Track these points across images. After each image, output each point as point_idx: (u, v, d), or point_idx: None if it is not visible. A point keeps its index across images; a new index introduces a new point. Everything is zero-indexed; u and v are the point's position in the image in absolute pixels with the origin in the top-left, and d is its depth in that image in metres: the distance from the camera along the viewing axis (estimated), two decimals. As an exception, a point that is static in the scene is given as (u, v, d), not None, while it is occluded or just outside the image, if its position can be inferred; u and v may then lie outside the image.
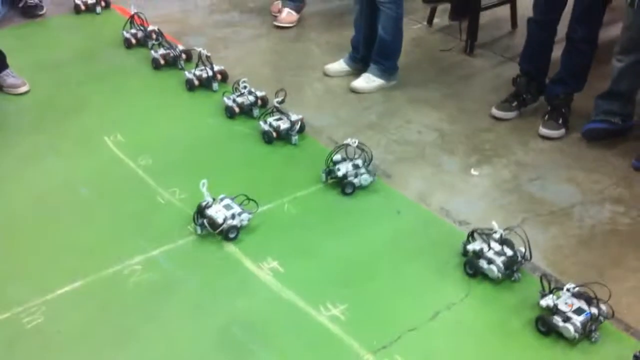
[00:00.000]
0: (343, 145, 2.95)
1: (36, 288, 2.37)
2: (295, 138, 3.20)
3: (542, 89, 3.46)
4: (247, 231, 2.65)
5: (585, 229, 2.72)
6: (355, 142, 2.93)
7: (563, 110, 3.32)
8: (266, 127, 3.22)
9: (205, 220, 2.61)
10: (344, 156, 2.95)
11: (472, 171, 3.06)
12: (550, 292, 2.28)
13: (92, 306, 2.32)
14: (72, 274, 2.43)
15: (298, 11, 4.53)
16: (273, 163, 3.08)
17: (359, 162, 2.92)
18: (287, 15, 4.48)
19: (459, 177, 3.02)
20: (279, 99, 3.26)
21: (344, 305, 2.31)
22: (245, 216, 2.64)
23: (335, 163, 2.92)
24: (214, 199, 2.67)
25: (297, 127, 3.22)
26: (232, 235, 2.59)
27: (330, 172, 2.93)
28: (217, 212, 2.61)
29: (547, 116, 3.33)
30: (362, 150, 2.94)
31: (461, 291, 2.39)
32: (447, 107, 3.57)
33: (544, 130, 3.29)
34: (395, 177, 3.02)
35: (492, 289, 2.40)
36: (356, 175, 2.88)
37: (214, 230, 2.59)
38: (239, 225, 2.62)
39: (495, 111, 3.44)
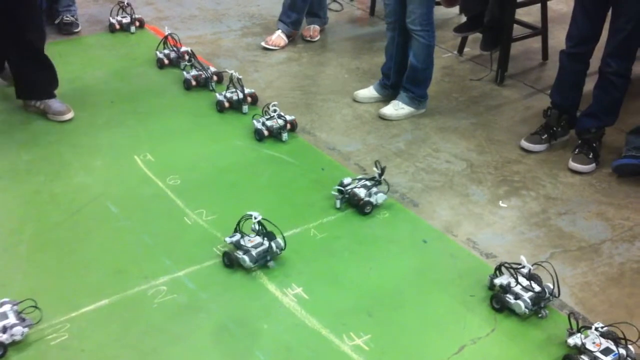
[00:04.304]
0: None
1: (62, 305, 2.39)
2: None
3: (573, 123, 3.44)
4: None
5: (615, 267, 2.69)
6: (258, 218, 2.61)
7: (594, 144, 3.30)
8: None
9: None
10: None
11: (501, 203, 3.04)
12: (579, 330, 2.24)
13: (117, 325, 2.32)
14: (98, 292, 2.45)
15: (289, 36, 4.55)
16: (300, 187, 3.09)
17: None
18: (277, 38, 4.51)
19: (487, 209, 3.00)
20: (379, 171, 3.01)
21: (367, 336, 2.30)
22: (18, 330, 2.17)
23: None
24: None
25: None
26: None
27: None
28: None
29: (577, 150, 3.31)
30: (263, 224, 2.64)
31: (487, 325, 2.36)
32: (476, 137, 3.55)
33: (574, 164, 3.26)
34: (423, 206, 3.00)
35: (518, 324, 2.37)
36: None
37: None
38: (7, 342, 2.16)
39: (525, 143, 3.42)
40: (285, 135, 3.42)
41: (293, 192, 3.05)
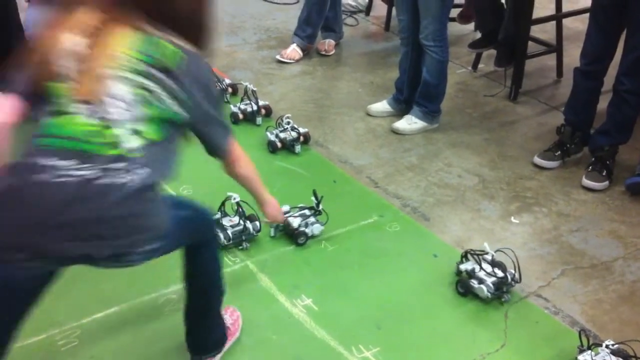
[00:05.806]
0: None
1: (73, 311, 2.40)
2: None
3: (587, 140, 3.43)
4: (284, 267, 2.66)
5: (626, 285, 2.67)
6: (237, 199, 2.73)
7: (607, 162, 3.29)
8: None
9: None
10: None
11: (512, 219, 3.03)
12: (589, 348, 2.23)
13: (126, 333, 2.34)
14: (109, 300, 2.46)
15: (304, 50, 4.57)
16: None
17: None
18: (292, 51, 4.54)
19: (499, 224, 2.99)
20: (317, 201, 2.88)
21: (376, 348, 2.29)
22: None
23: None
24: None
25: None
26: None
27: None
28: None
29: (590, 167, 3.30)
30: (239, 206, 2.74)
31: (497, 341, 2.35)
32: (488, 153, 3.55)
33: (587, 182, 3.25)
34: (434, 220, 3.00)
35: (529, 340, 2.36)
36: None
37: None
38: None
39: (538, 159, 3.42)
40: (298, 148, 3.44)
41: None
